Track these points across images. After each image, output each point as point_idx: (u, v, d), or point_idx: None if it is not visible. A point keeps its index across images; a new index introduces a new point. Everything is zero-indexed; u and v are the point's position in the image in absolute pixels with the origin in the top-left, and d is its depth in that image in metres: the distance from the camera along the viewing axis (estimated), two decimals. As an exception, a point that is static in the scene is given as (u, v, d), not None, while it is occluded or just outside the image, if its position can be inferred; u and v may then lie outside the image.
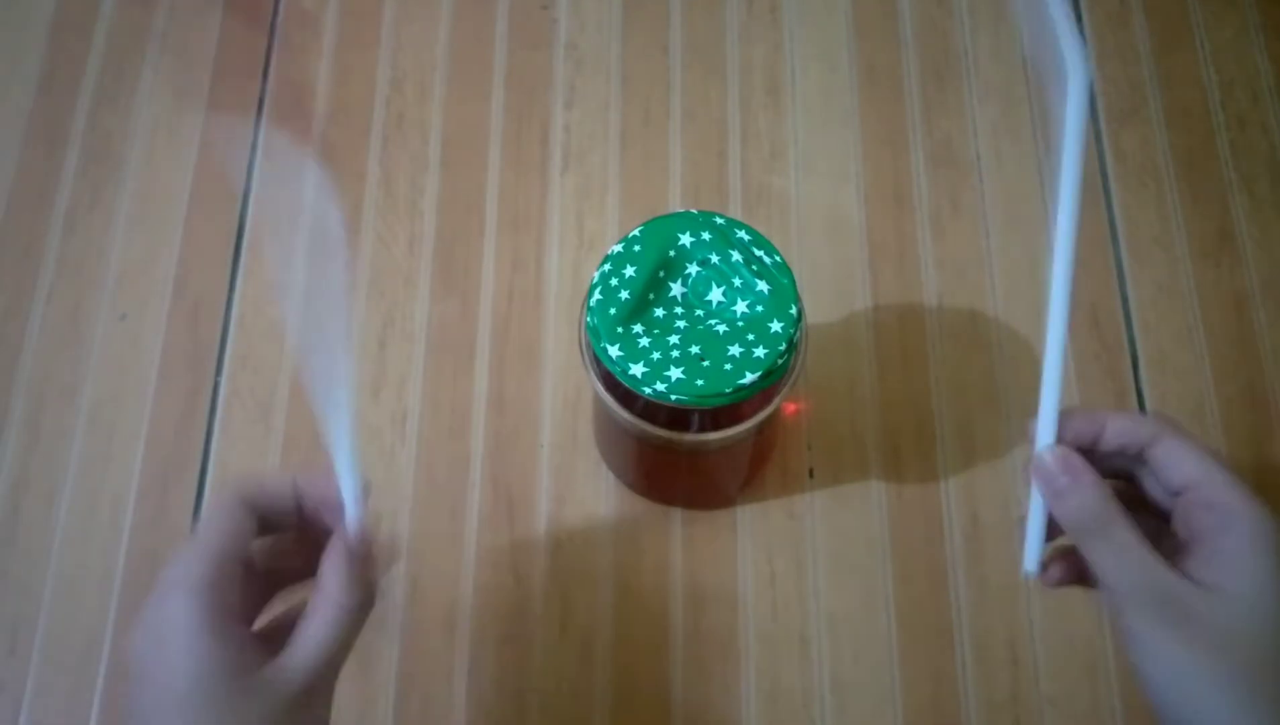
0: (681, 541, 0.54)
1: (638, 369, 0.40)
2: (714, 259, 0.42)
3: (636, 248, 0.42)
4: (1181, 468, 0.35)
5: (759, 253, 0.42)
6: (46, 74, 0.65)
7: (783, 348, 0.40)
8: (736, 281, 0.42)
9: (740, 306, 0.41)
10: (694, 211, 0.42)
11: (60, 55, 0.65)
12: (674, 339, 0.40)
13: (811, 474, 0.55)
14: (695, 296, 0.42)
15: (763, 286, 0.41)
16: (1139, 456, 0.36)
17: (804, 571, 0.53)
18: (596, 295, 0.41)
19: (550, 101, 0.64)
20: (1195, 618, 0.33)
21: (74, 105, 0.64)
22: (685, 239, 0.42)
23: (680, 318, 0.41)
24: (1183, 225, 0.60)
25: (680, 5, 0.66)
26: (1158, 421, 0.37)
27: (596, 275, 0.42)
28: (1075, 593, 0.53)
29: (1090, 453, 0.36)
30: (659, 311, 0.41)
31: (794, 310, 0.41)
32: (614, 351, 0.40)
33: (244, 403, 0.57)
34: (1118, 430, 0.36)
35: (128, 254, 0.61)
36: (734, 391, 0.40)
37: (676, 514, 0.54)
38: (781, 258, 0.42)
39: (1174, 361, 0.57)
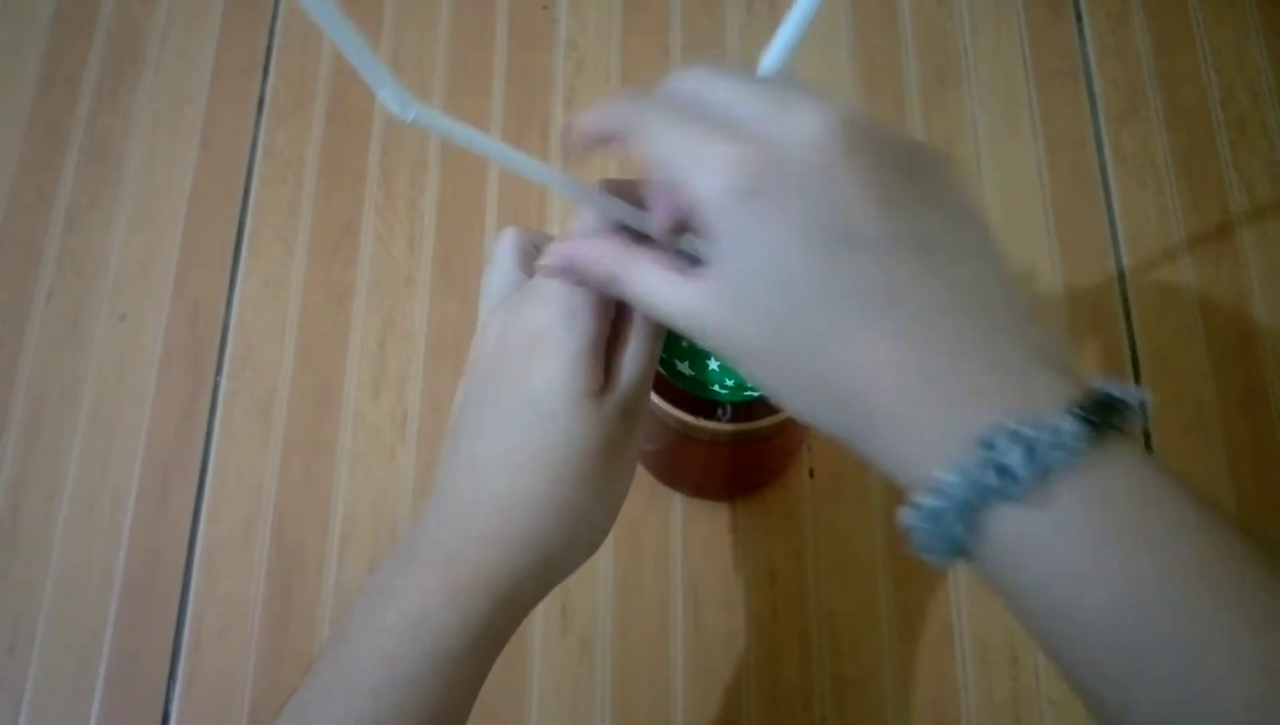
0: (681, 541, 0.54)
1: (684, 367, 0.39)
2: None
3: None
4: (641, 149, 0.29)
5: None
6: (46, 74, 0.65)
7: None
8: None
9: None
10: None
11: (60, 55, 0.65)
12: None
13: (811, 474, 0.55)
14: None
15: None
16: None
17: (804, 571, 0.53)
18: None
19: (550, 101, 0.64)
20: (709, 332, 0.29)
21: (74, 105, 0.64)
22: None
23: None
24: (1183, 225, 0.60)
25: (680, 5, 0.66)
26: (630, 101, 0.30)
27: None
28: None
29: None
30: None
31: None
32: (684, 367, 0.39)
33: (244, 403, 0.57)
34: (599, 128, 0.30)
35: (128, 254, 0.61)
36: None
37: (677, 513, 0.54)
38: None
39: (1174, 361, 0.57)
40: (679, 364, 0.38)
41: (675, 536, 0.54)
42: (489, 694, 0.51)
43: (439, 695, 0.32)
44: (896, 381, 0.26)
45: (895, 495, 0.57)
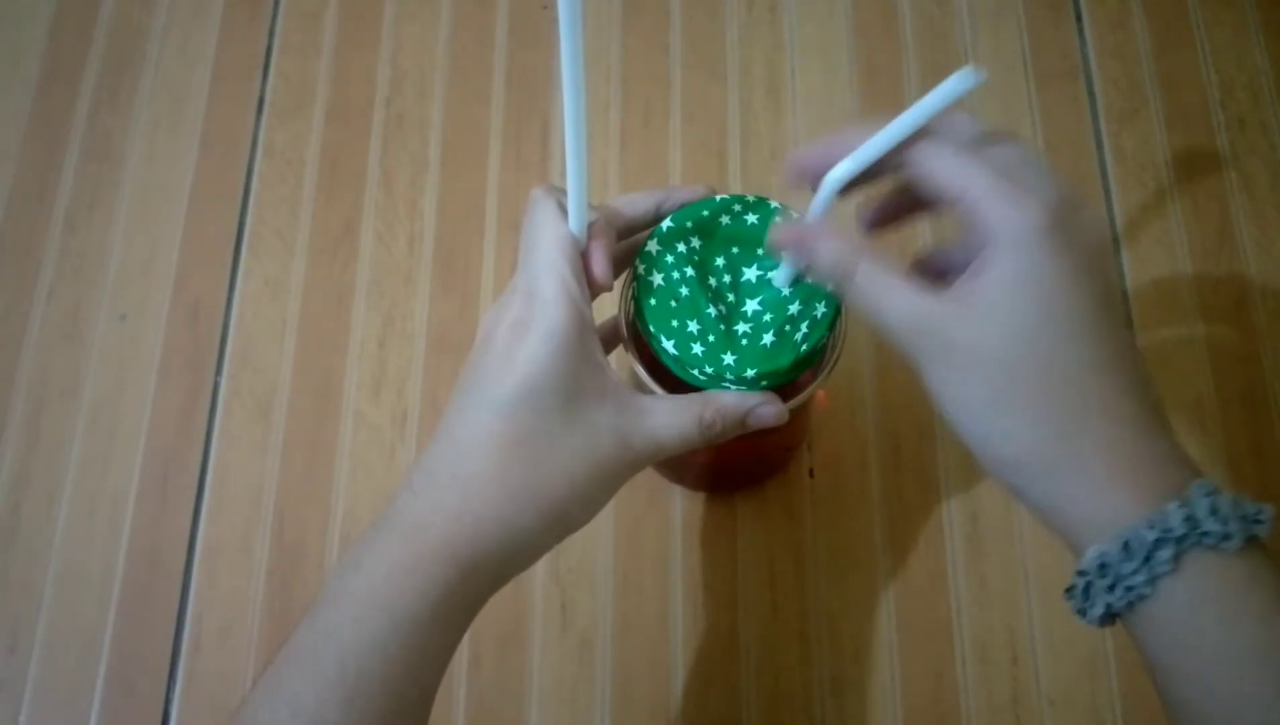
0: (681, 541, 0.54)
1: (669, 345, 0.38)
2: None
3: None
4: (935, 177, 0.33)
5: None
6: (46, 74, 0.65)
7: (834, 312, 0.38)
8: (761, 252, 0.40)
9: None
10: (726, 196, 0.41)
11: (60, 55, 0.65)
12: (713, 312, 0.39)
13: (811, 474, 0.55)
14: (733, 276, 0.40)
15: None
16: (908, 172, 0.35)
17: (804, 571, 0.53)
18: (651, 301, 0.39)
19: (550, 101, 0.64)
20: (950, 344, 0.32)
21: (74, 105, 0.64)
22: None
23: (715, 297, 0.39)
24: (1183, 225, 0.60)
25: (680, 5, 0.66)
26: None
27: (643, 268, 0.39)
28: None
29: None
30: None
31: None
32: (669, 344, 0.38)
33: (244, 403, 0.57)
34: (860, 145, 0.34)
35: (128, 254, 0.61)
36: (793, 366, 0.38)
37: (677, 513, 0.54)
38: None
39: (1173, 361, 0.57)
40: (665, 341, 0.38)
41: (675, 536, 0.54)
42: (489, 693, 0.52)
43: (403, 661, 0.33)
44: (1120, 422, 0.31)
45: (895, 495, 0.58)
